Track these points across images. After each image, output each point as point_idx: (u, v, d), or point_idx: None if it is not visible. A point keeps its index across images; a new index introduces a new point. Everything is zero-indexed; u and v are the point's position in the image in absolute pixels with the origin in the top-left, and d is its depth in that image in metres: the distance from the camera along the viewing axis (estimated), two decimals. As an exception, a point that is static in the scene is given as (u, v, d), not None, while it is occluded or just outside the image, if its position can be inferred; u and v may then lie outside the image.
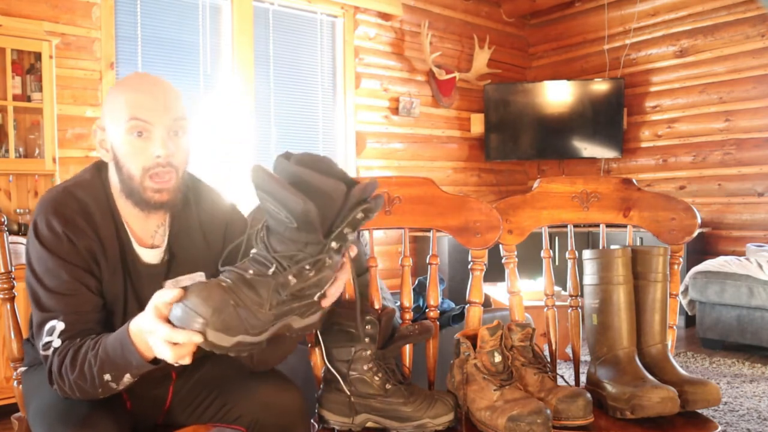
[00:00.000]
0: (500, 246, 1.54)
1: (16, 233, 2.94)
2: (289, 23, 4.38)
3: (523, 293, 1.56)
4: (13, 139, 2.99)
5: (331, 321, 1.32)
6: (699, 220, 1.54)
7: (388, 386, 1.27)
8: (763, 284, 3.65)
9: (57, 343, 1.14)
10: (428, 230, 1.48)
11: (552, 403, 1.27)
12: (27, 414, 1.31)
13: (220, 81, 4.05)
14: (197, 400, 1.36)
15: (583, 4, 5.49)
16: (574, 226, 1.60)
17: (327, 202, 0.96)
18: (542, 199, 1.57)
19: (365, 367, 1.28)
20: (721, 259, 3.95)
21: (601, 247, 1.52)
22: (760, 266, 3.72)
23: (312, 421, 1.34)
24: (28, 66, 3.08)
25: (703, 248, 4.74)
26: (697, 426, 1.28)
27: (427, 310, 1.48)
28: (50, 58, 3.05)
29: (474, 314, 1.48)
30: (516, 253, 1.54)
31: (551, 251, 1.61)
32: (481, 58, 5.29)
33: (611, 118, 5.11)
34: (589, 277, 1.47)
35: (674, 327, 1.53)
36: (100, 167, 1.29)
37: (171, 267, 1.31)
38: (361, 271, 1.89)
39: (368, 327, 1.28)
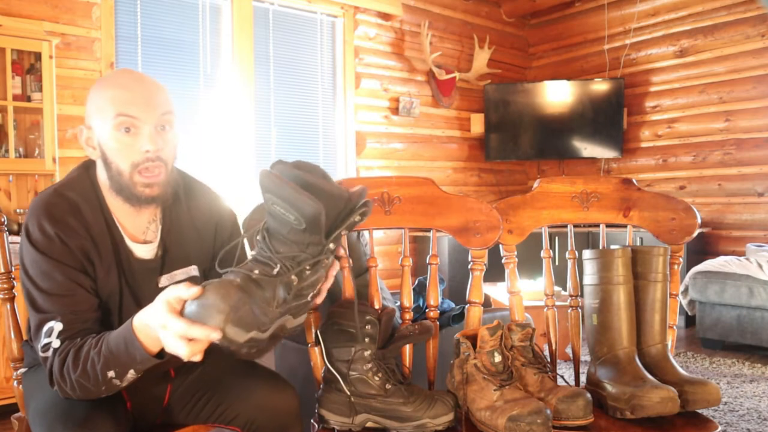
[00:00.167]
0: (500, 246, 1.54)
1: (16, 233, 2.92)
2: (289, 23, 4.38)
3: (523, 293, 1.56)
4: (13, 139, 2.99)
5: (331, 321, 1.32)
6: (699, 220, 1.54)
7: (388, 386, 1.27)
8: (763, 284, 3.65)
9: (56, 343, 1.14)
10: (428, 230, 1.48)
11: (552, 403, 1.27)
12: (27, 414, 1.31)
13: (220, 81, 4.05)
14: (194, 399, 1.36)
15: (583, 4, 5.49)
16: (574, 226, 1.60)
17: (332, 205, 1.02)
18: (542, 199, 1.57)
19: (365, 367, 1.28)
20: (721, 259, 3.95)
21: (601, 247, 1.52)
22: (760, 266, 3.72)
23: (312, 421, 1.34)
24: (28, 66, 3.08)
25: (703, 248, 4.74)
26: (697, 426, 1.28)
27: (427, 310, 1.48)
28: (50, 58, 3.05)
29: (474, 314, 1.48)
30: (516, 253, 1.54)
31: (551, 251, 1.61)
32: (481, 58, 5.29)
33: (611, 118, 5.11)
34: (589, 277, 1.47)
35: (674, 327, 1.53)
36: (88, 166, 1.29)
37: (165, 261, 1.32)
38: (361, 271, 1.90)
39: (368, 327, 1.29)
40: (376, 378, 1.27)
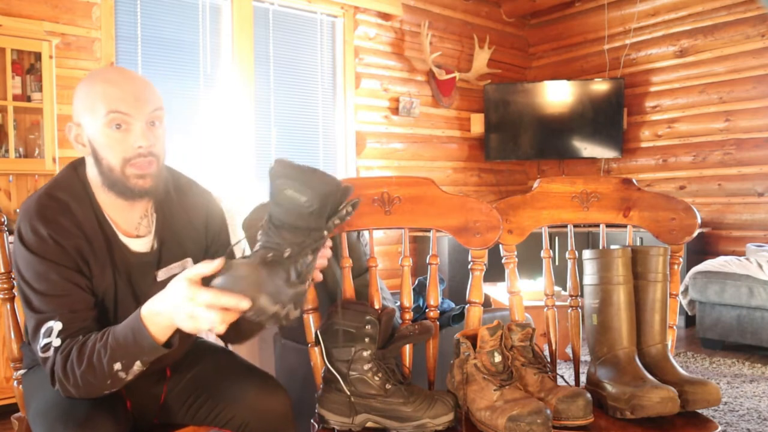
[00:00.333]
0: (500, 246, 1.54)
1: (16, 233, 2.94)
2: (289, 23, 4.38)
3: (523, 293, 1.56)
4: (13, 139, 2.99)
5: (331, 321, 1.32)
6: (699, 220, 1.54)
7: (388, 386, 1.28)
8: (763, 284, 3.65)
9: (57, 342, 1.14)
10: (428, 230, 1.48)
11: (552, 403, 1.27)
12: (27, 415, 1.31)
13: (220, 81, 4.05)
14: (189, 400, 1.37)
15: (583, 4, 5.49)
16: (574, 226, 1.60)
17: (334, 192, 1.11)
18: (542, 199, 1.57)
19: (365, 367, 1.28)
20: (721, 259, 3.95)
21: (601, 247, 1.52)
22: (760, 266, 3.72)
23: (312, 421, 1.34)
24: (28, 66, 3.08)
25: (703, 248, 4.74)
26: (697, 426, 1.28)
27: (427, 310, 1.48)
28: (50, 58, 3.05)
29: (474, 314, 1.48)
30: (516, 253, 1.54)
31: (551, 251, 1.61)
32: (481, 58, 5.29)
33: (611, 118, 5.11)
34: (589, 277, 1.48)
35: (674, 327, 1.53)
36: (76, 166, 1.29)
37: (162, 254, 1.33)
38: (361, 271, 1.90)
39: (368, 327, 1.29)
40: (376, 378, 1.27)
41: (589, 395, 1.28)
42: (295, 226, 1.08)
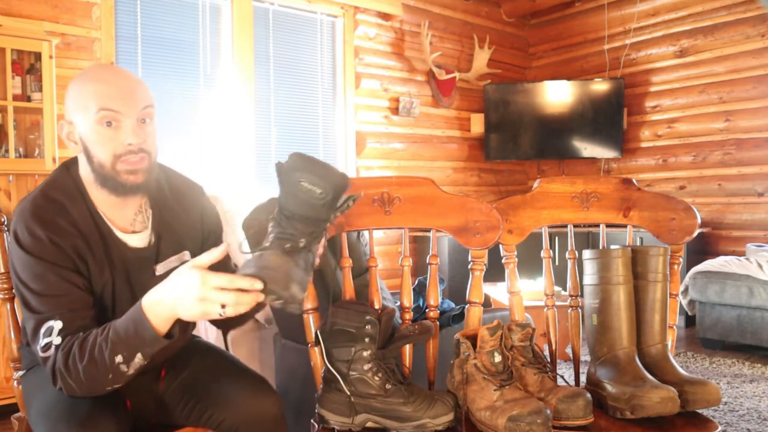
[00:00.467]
0: (500, 246, 1.54)
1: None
2: (289, 23, 4.38)
3: (523, 293, 1.56)
4: (13, 139, 2.99)
5: (331, 321, 1.32)
6: (699, 220, 1.54)
7: (388, 386, 1.27)
8: (763, 284, 3.65)
9: (57, 340, 1.14)
10: (428, 230, 1.48)
11: (552, 403, 1.27)
12: (28, 415, 1.32)
13: (220, 81, 4.05)
14: (183, 401, 1.38)
15: (583, 4, 5.49)
16: (574, 226, 1.60)
17: (345, 185, 1.17)
18: (542, 199, 1.57)
19: (365, 367, 1.28)
20: (721, 259, 3.94)
21: (601, 247, 1.52)
22: (760, 266, 3.72)
23: (312, 421, 1.34)
24: (28, 66, 3.08)
25: (703, 248, 4.74)
26: (697, 426, 1.28)
27: (427, 310, 1.48)
28: (50, 58, 3.05)
29: (474, 314, 1.48)
30: (516, 253, 1.54)
31: (551, 251, 1.61)
32: (481, 58, 5.29)
33: (611, 118, 5.11)
34: (589, 277, 1.47)
35: (674, 327, 1.53)
36: (68, 166, 1.30)
37: (160, 248, 1.34)
38: (361, 271, 1.90)
39: (368, 327, 1.29)
40: (376, 378, 1.27)
41: (589, 395, 1.28)
42: (307, 217, 1.12)
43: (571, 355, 2.28)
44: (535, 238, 1.60)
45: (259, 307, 1.34)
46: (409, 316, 1.47)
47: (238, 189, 4.07)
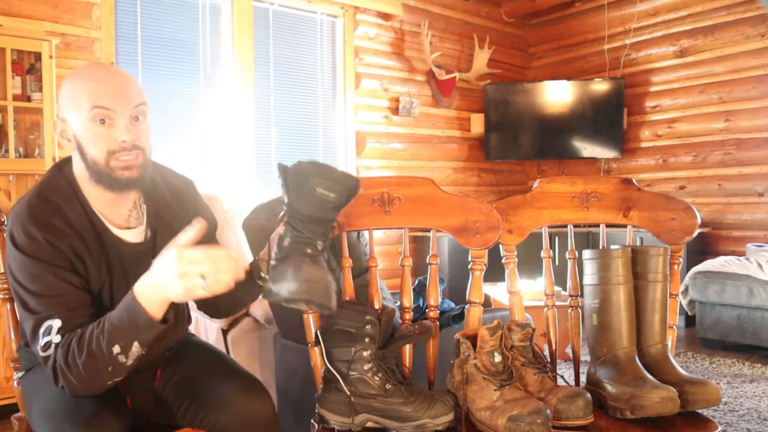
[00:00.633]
0: (500, 246, 1.54)
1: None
2: (289, 23, 4.38)
3: (523, 293, 1.56)
4: (13, 139, 2.99)
5: (331, 321, 1.32)
6: (699, 220, 1.54)
7: (388, 386, 1.27)
8: (763, 284, 3.65)
9: (57, 338, 1.15)
10: (428, 230, 1.48)
11: (552, 403, 1.27)
12: (29, 415, 1.32)
13: (220, 81, 4.05)
14: (179, 401, 1.38)
15: (583, 4, 5.49)
16: (574, 226, 1.60)
17: (356, 187, 1.23)
18: (542, 199, 1.57)
19: (365, 367, 1.28)
20: (721, 259, 3.94)
21: (601, 247, 1.52)
22: (760, 266, 3.72)
23: (312, 421, 1.34)
24: (28, 66, 3.08)
25: (703, 248, 4.74)
26: (697, 426, 1.28)
27: (427, 310, 1.48)
28: (50, 58, 3.04)
29: (474, 314, 1.48)
30: (516, 253, 1.54)
31: (551, 251, 1.61)
32: (481, 58, 5.29)
33: (611, 118, 5.11)
34: (589, 277, 1.47)
35: (674, 327, 1.53)
36: (60, 166, 1.31)
37: (156, 243, 1.34)
38: (361, 271, 1.89)
39: (368, 327, 1.29)
40: (376, 378, 1.27)
41: (589, 395, 1.28)
42: (319, 218, 1.18)
43: (571, 355, 2.28)
44: (535, 238, 1.60)
45: (250, 293, 1.38)
46: (409, 316, 1.47)
47: (238, 189, 4.07)
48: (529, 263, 2.94)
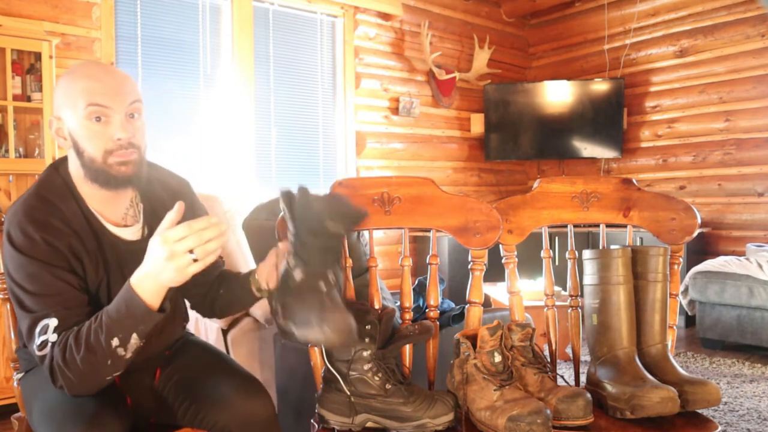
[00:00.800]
0: (500, 246, 1.54)
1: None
2: (289, 23, 4.38)
3: (523, 293, 1.56)
4: (13, 139, 2.99)
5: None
6: (699, 220, 1.54)
7: (388, 386, 1.27)
8: (763, 284, 3.65)
9: (54, 337, 1.15)
10: (428, 230, 1.48)
11: (552, 403, 1.27)
12: (30, 416, 1.32)
13: (220, 81, 4.05)
14: (177, 402, 1.39)
15: (583, 4, 5.49)
16: (574, 226, 1.60)
17: (361, 218, 1.28)
18: (542, 199, 1.57)
19: (365, 367, 1.28)
20: (721, 259, 3.94)
21: (601, 247, 1.52)
22: (760, 266, 3.72)
23: (312, 421, 1.34)
24: (28, 66, 3.08)
25: (703, 248, 4.74)
26: (697, 426, 1.28)
27: (427, 310, 1.48)
28: (50, 58, 3.04)
29: (474, 314, 1.48)
30: (516, 253, 1.54)
31: (551, 251, 1.61)
32: (481, 58, 5.29)
33: (611, 118, 5.11)
34: (589, 277, 1.47)
35: (674, 327, 1.53)
36: (57, 165, 1.31)
37: None
38: (361, 271, 1.90)
39: (368, 327, 1.29)
40: (376, 378, 1.27)
41: (589, 395, 1.28)
42: (326, 248, 1.19)
43: (571, 355, 2.28)
44: (535, 238, 1.60)
45: (245, 301, 1.41)
46: (409, 316, 1.47)
47: (238, 189, 4.07)
48: (529, 263, 2.94)
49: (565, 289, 2.08)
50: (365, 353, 1.28)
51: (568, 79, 5.37)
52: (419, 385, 1.36)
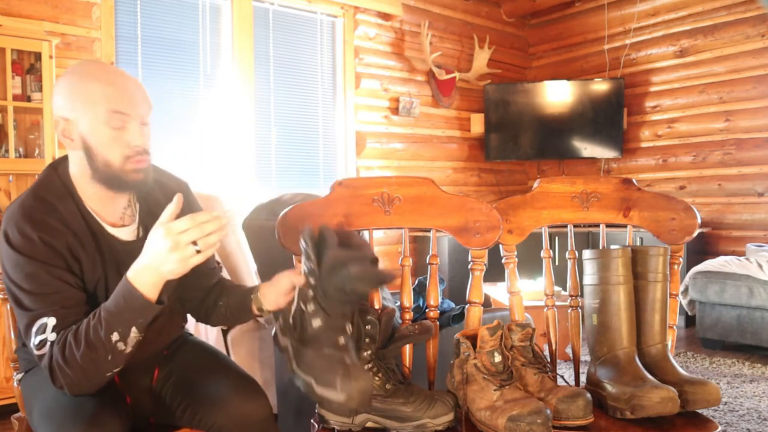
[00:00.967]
0: (500, 246, 1.54)
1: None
2: (289, 23, 4.38)
3: (523, 293, 1.56)
4: (13, 139, 2.99)
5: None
6: (699, 220, 1.54)
7: (388, 386, 1.27)
8: (763, 284, 3.65)
9: (52, 336, 1.15)
10: (428, 230, 1.48)
11: (552, 403, 1.27)
12: (30, 416, 1.32)
13: (220, 81, 4.05)
14: (175, 402, 1.39)
15: (583, 4, 5.49)
16: (574, 226, 1.60)
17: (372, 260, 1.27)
18: (542, 199, 1.57)
19: (365, 368, 1.28)
20: (721, 259, 3.94)
21: (601, 247, 1.52)
22: (760, 266, 3.72)
23: (312, 421, 1.34)
24: (28, 66, 3.08)
25: (703, 248, 4.74)
26: (697, 426, 1.28)
27: (427, 310, 1.48)
28: (50, 58, 3.04)
29: (474, 314, 1.48)
30: (516, 253, 1.54)
31: (551, 251, 1.61)
32: (481, 58, 5.29)
33: (611, 118, 5.11)
34: (589, 277, 1.47)
35: (674, 327, 1.53)
36: (56, 166, 1.32)
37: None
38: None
39: (368, 327, 1.29)
40: (376, 378, 1.27)
41: (589, 395, 1.28)
42: (350, 302, 1.21)
43: (571, 355, 2.28)
44: (535, 238, 1.60)
45: (244, 317, 1.42)
46: (409, 316, 1.47)
47: (238, 189, 4.07)
48: (529, 263, 2.94)
49: (565, 289, 2.08)
50: (365, 353, 1.28)
51: (568, 79, 5.37)
52: (419, 385, 1.36)
